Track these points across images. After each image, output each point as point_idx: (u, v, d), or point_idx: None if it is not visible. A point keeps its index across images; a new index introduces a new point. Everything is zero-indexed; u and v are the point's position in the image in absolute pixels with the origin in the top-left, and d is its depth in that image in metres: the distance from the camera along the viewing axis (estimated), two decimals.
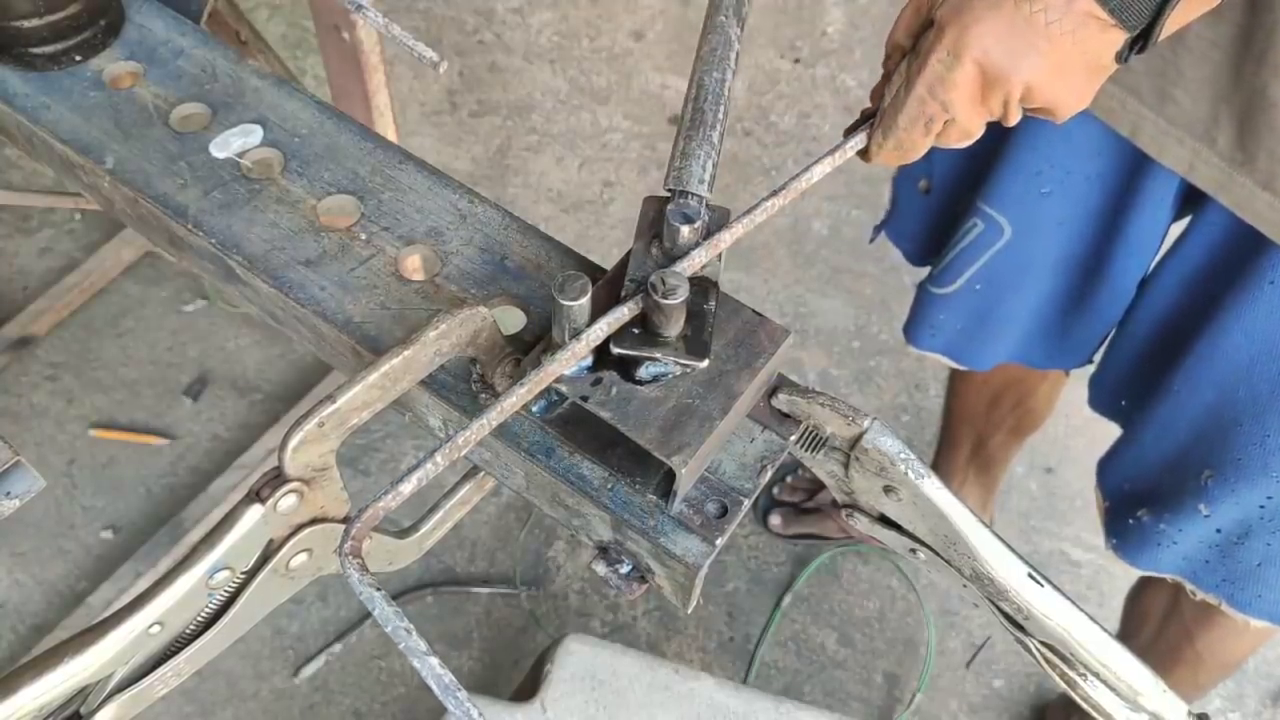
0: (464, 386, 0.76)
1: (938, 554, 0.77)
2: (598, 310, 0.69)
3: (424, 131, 2.71)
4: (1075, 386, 1.62)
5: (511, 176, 2.67)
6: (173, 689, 0.72)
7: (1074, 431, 2.27)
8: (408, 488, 0.62)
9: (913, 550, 0.80)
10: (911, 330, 1.53)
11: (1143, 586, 1.66)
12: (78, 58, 0.94)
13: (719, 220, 0.76)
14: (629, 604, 2.08)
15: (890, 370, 2.39)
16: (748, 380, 0.71)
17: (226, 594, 0.71)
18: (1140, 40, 0.75)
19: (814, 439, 0.76)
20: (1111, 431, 1.42)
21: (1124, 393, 1.37)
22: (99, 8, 0.95)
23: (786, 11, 2.96)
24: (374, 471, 2.19)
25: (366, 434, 2.21)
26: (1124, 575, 1.82)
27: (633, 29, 2.90)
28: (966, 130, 0.79)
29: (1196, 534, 1.27)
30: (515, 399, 0.66)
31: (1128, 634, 1.68)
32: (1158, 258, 1.29)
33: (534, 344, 0.75)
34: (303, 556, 0.73)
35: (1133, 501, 1.34)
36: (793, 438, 0.75)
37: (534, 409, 0.74)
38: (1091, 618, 0.77)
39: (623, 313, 0.69)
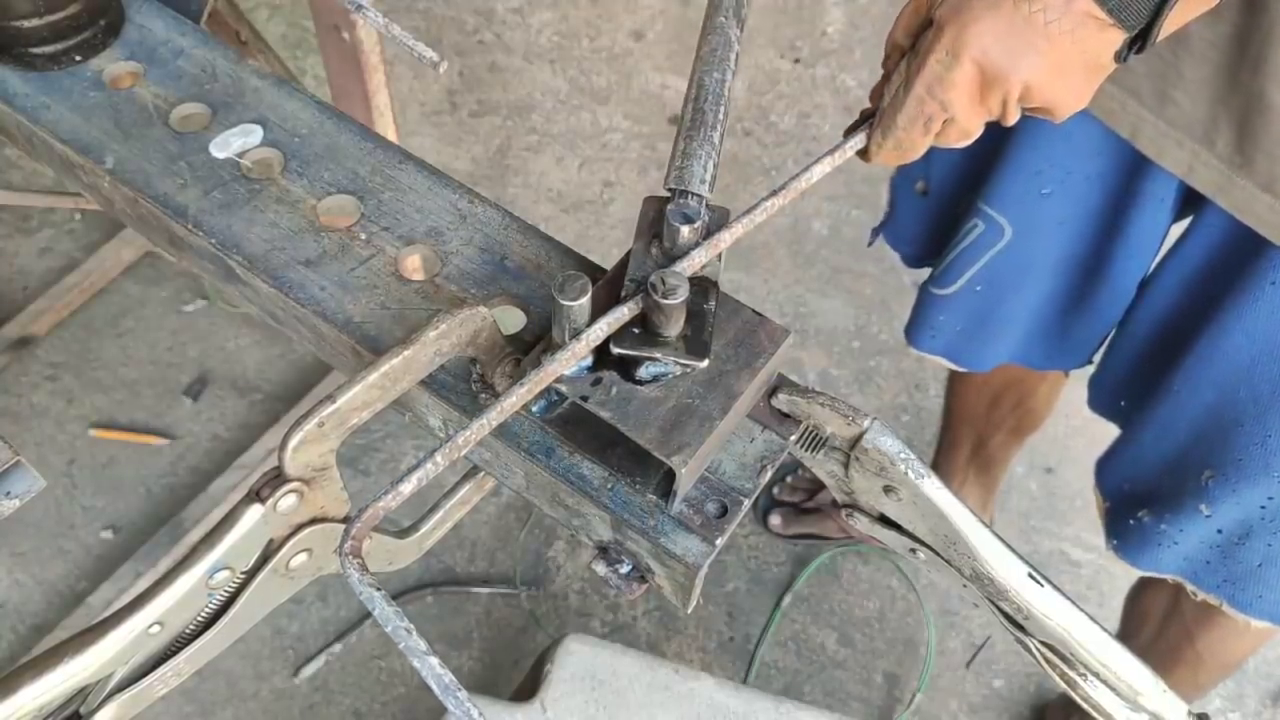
0: (464, 386, 0.76)
1: (938, 554, 0.77)
2: (598, 310, 0.69)
3: (424, 131, 2.71)
4: (1075, 386, 1.61)
5: (511, 176, 2.66)
6: (173, 689, 0.72)
7: (1074, 431, 2.27)
8: (408, 488, 0.62)
9: (913, 550, 0.80)
10: (912, 332, 1.53)
11: (1143, 586, 1.66)
12: (78, 58, 0.94)
13: (719, 220, 0.76)
14: (629, 604, 2.08)
15: (890, 370, 2.39)
16: (748, 380, 0.71)
17: (226, 594, 0.71)
18: (1139, 40, 0.75)
19: (814, 439, 0.76)
20: (1111, 431, 1.42)
21: (1124, 393, 1.37)
22: (99, 8, 0.95)
23: (786, 11, 2.96)
24: (374, 471, 2.19)
25: (366, 434, 2.21)
26: (1124, 575, 1.82)
27: (633, 29, 2.90)
28: (965, 130, 0.79)
29: (1197, 534, 1.27)
30: (515, 399, 0.66)
31: (1128, 634, 1.67)
32: (1158, 258, 1.29)
33: (534, 344, 0.75)
34: (303, 556, 0.73)
35: (1133, 502, 1.34)
36: (793, 438, 0.75)
37: (534, 409, 0.74)
38: (1091, 618, 0.77)
39: (623, 313, 0.69)
